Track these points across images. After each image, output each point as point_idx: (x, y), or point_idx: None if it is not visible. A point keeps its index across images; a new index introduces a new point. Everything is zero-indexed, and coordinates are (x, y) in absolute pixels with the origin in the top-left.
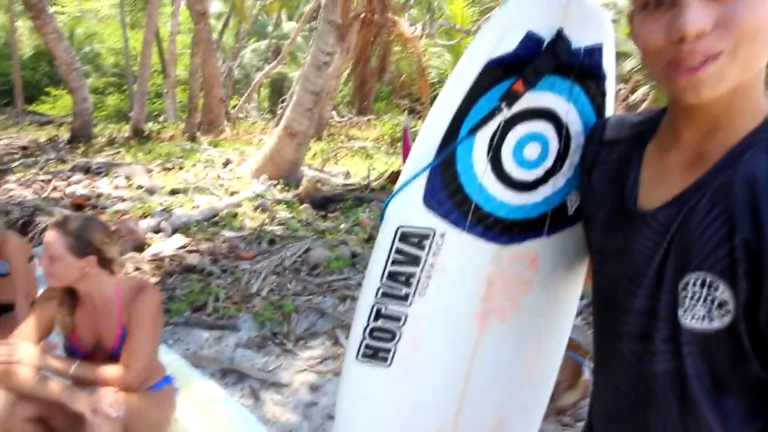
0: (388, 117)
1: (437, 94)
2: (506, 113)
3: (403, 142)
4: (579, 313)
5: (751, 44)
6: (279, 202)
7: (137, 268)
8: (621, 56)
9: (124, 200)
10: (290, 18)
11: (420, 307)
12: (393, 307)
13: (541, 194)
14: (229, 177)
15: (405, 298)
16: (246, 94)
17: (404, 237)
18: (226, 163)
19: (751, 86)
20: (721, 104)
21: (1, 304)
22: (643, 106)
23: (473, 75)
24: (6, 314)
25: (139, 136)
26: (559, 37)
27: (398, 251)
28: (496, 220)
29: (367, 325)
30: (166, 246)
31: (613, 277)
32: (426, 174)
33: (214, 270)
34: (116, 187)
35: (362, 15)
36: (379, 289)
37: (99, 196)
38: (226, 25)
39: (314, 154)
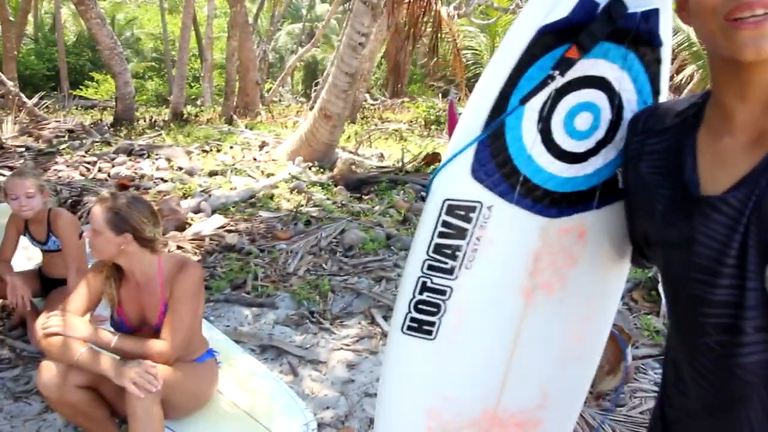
0: (422, 99)
1: (472, 75)
2: (559, 81)
3: (449, 115)
4: (621, 298)
5: None
6: (314, 183)
7: (179, 247)
8: None
9: (165, 181)
10: (324, 0)
11: (466, 281)
12: (439, 281)
13: (592, 166)
14: (265, 159)
15: (451, 271)
16: (280, 78)
17: (451, 209)
18: (262, 146)
19: None
20: None
21: (55, 278)
22: (690, 86)
23: (525, 42)
24: (60, 288)
25: (179, 120)
26: (614, 0)
27: (445, 224)
28: (545, 193)
29: (413, 297)
30: (206, 226)
31: (685, 269)
32: (474, 145)
33: (253, 249)
34: (158, 169)
35: None
36: (425, 262)
37: (142, 177)
38: (260, 8)
39: (348, 137)
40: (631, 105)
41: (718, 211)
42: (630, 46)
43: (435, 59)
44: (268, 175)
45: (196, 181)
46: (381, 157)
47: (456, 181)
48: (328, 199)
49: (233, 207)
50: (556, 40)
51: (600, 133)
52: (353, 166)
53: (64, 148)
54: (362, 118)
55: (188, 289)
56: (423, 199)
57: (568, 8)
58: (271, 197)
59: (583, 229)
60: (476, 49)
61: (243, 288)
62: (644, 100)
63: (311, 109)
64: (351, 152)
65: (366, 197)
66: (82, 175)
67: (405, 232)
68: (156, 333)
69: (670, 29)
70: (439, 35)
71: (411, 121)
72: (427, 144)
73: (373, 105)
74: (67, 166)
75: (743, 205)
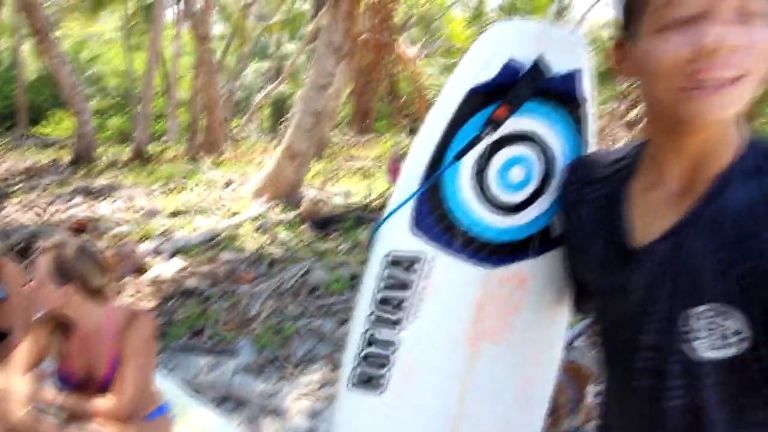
0: (389, 136)
1: None
2: (490, 138)
3: (392, 170)
4: (580, 335)
5: (764, 73)
6: (279, 222)
7: (136, 292)
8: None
9: (123, 223)
10: (292, 38)
11: (412, 332)
12: (386, 333)
13: (528, 216)
14: (230, 198)
15: (397, 323)
16: (247, 115)
17: (395, 262)
18: (228, 184)
19: (737, 117)
20: (711, 131)
21: None
22: (644, 123)
23: (457, 102)
24: (2, 342)
25: (141, 158)
26: (538, 63)
27: (389, 276)
28: (484, 243)
29: (360, 351)
30: (165, 269)
31: (618, 316)
32: (414, 200)
33: (213, 293)
34: (116, 210)
35: (365, 36)
36: (371, 315)
37: (99, 219)
38: (228, 46)
39: (315, 174)
40: (561, 158)
41: (646, 260)
42: (556, 103)
43: (394, 99)
44: (233, 215)
45: (157, 222)
46: (347, 194)
47: (398, 234)
48: (293, 238)
49: (195, 249)
50: (486, 100)
51: (533, 185)
52: (319, 204)
53: (16, 190)
54: (330, 155)
55: (139, 343)
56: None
57: (494, 71)
58: (235, 237)
59: (523, 276)
60: (440, 87)
61: (202, 335)
62: (573, 153)
63: (278, 146)
64: (318, 189)
65: (332, 236)
66: (37, 216)
67: None
68: (104, 389)
69: (591, 87)
70: (396, 77)
71: (377, 158)
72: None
73: (340, 141)
74: (20, 209)
75: (669, 255)
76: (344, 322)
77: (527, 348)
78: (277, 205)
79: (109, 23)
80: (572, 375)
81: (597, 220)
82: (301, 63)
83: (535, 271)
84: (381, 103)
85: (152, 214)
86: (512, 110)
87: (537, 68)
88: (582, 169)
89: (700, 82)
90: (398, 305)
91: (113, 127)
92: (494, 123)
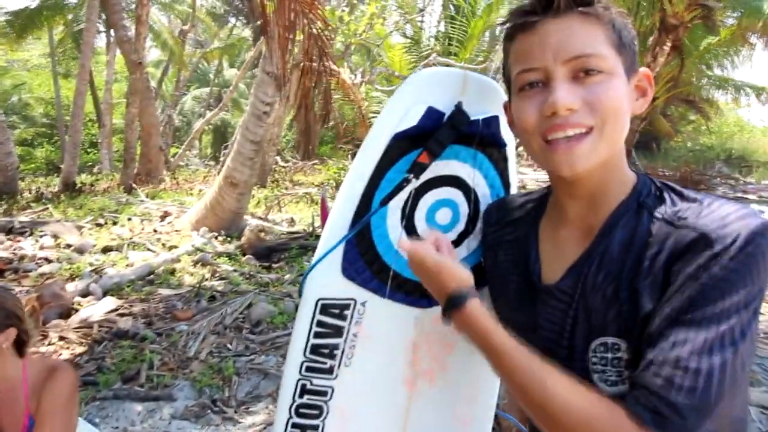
0: (333, 161)
1: None
2: (415, 183)
3: (321, 210)
4: None
5: (613, 122)
6: (220, 254)
7: (62, 338)
8: None
9: (50, 261)
10: (232, 65)
11: (346, 379)
12: (319, 382)
13: (457, 256)
14: (167, 230)
15: (330, 371)
16: (186, 142)
17: (324, 309)
18: (164, 216)
19: (617, 160)
20: (594, 178)
21: None
22: None
23: (381, 148)
24: None
25: (71, 190)
26: (458, 110)
27: (320, 323)
28: (415, 285)
29: (293, 402)
30: (96, 310)
31: (536, 350)
32: (342, 245)
33: (148, 334)
34: (42, 247)
35: (300, 64)
36: (302, 364)
37: (22, 258)
38: (165, 73)
39: (258, 202)
40: (485, 199)
41: (554, 297)
42: (478, 147)
43: (337, 125)
44: (170, 248)
45: (87, 259)
46: (291, 222)
47: (328, 280)
48: (235, 270)
49: (129, 286)
50: (410, 145)
51: (460, 226)
52: (262, 234)
53: None
54: (273, 182)
55: (59, 400)
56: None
57: (416, 118)
58: (173, 272)
59: None
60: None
61: (136, 380)
62: (497, 194)
63: (219, 174)
64: (260, 218)
65: (276, 266)
66: None
67: None
68: None
69: (511, 131)
70: (338, 103)
71: (322, 184)
72: None
73: (284, 167)
74: None
75: (572, 292)
76: None
77: (463, 387)
78: (217, 236)
79: (35, 49)
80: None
81: (512, 261)
82: (243, 89)
83: None
84: (325, 128)
85: (82, 250)
86: (435, 155)
87: (458, 114)
88: (498, 212)
89: (551, 141)
90: (330, 353)
91: (40, 157)
92: (418, 168)
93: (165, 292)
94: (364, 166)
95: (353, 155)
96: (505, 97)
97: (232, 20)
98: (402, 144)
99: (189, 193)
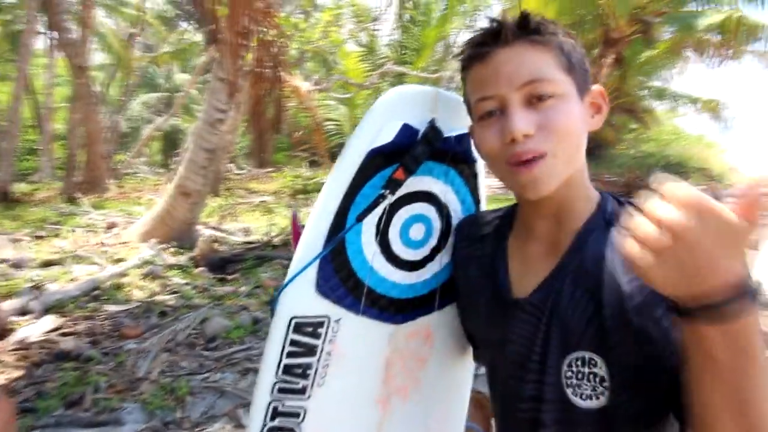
0: (289, 169)
1: (334, 145)
2: (390, 199)
3: (293, 228)
4: None
5: (567, 143)
6: (171, 267)
7: None
8: None
9: None
10: (183, 70)
11: (320, 399)
12: (290, 403)
13: (430, 271)
14: (113, 242)
15: (303, 391)
16: (135, 149)
17: (298, 327)
18: (111, 227)
19: (580, 178)
20: (558, 196)
21: None
22: None
23: (357, 164)
24: None
25: (6, 200)
26: (432, 127)
27: (293, 342)
28: (390, 301)
29: (264, 426)
30: (35, 330)
31: (503, 366)
32: (318, 261)
33: (94, 354)
34: None
35: (253, 71)
36: (274, 385)
37: None
38: (111, 77)
39: (211, 212)
40: (457, 214)
41: (525, 312)
42: (450, 163)
43: (292, 132)
44: (117, 261)
45: (26, 274)
46: (247, 231)
47: (301, 298)
48: (187, 283)
49: (72, 303)
50: (385, 161)
51: (433, 241)
52: (216, 244)
53: None
54: (226, 190)
55: None
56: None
57: (392, 134)
58: (120, 287)
59: (429, 331)
60: (337, 121)
61: (80, 405)
62: (468, 209)
63: (170, 182)
64: (214, 228)
65: (231, 277)
66: None
67: None
68: None
69: None
70: (292, 110)
71: (277, 192)
72: None
73: (238, 175)
74: None
75: (543, 306)
76: (246, 372)
77: (435, 402)
78: (168, 248)
79: None
80: (477, 405)
81: (483, 276)
82: (194, 95)
83: (439, 325)
84: (281, 135)
85: (19, 265)
86: (410, 171)
87: (432, 130)
88: (469, 228)
89: (515, 164)
90: (303, 372)
91: None
92: (394, 184)
93: (112, 308)
94: (339, 183)
95: (310, 163)
96: None
97: (183, 24)
98: (377, 160)
99: (137, 202)
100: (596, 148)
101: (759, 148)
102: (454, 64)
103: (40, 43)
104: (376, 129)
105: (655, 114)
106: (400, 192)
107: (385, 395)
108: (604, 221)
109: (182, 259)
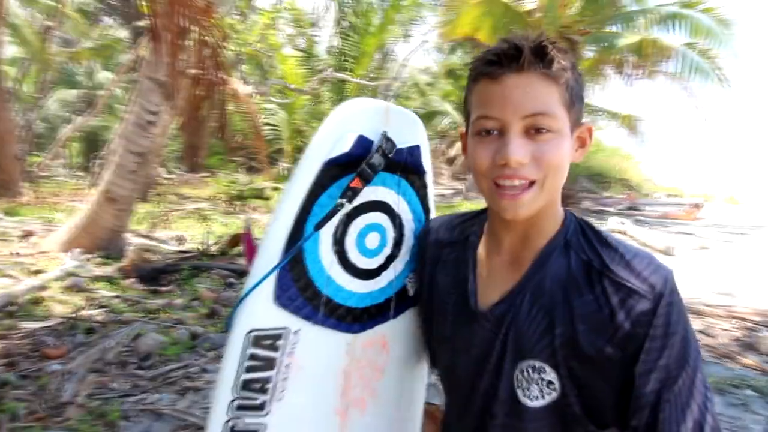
0: (224, 174)
1: (273, 150)
2: (348, 207)
3: (247, 243)
4: None
5: (554, 176)
6: (98, 279)
7: None
8: (438, 114)
9: None
10: (106, 67)
11: (278, 414)
12: (250, 420)
13: (385, 279)
14: (30, 253)
15: (262, 407)
16: (51, 151)
17: (257, 340)
18: (27, 236)
19: (553, 203)
20: (531, 219)
21: None
22: (462, 159)
23: (314, 174)
24: None
25: None
26: (386, 138)
27: (252, 357)
28: (347, 310)
29: None
30: None
31: (463, 368)
32: (276, 272)
33: (10, 378)
34: None
35: (192, 72)
36: (232, 403)
37: None
38: (25, 72)
39: (141, 218)
40: (409, 224)
41: (487, 322)
42: (402, 174)
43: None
44: (35, 273)
45: None
46: (180, 239)
47: (260, 310)
48: (116, 296)
49: None
50: (340, 171)
51: (388, 250)
52: (147, 253)
53: None
54: (156, 195)
55: None
56: (227, 328)
57: (348, 145)
58: (39, 302)
59: (385, 339)
60: (276, 126)
61: None
62: (418, 219)
63: (92, 186)
64: (144, 236)
65: (165, 289)
66: None
67: (213, 328)
68: None
69: (429, 160)
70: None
71: (212, 198)
72: (232, 222)
73: (168, 180)
74: None
75: (503, 319)
76: (185, 391)
77: (392, 413)
78: (94, 257)
79: None
80: (429, 417)
81: (451, 282)
82: (117, 93)
83: (395, 333)
84: (215, 139)
85: None
86: (367, 180)
87: (386, 142)
88: (438, 232)
89: (500, 186)
90: (262, 387)
91: None
92: (351, 192)
93: (30, 325)
94: (296, 193)
95: (248, 169)
96: (423, 129)
97: (107, 19)
98: (333, 170)
99: (56, 209)
100: None
101: (669, 160)
102: (391, 73)
103: None
104: (333, 140)
105: None
106: (356, 201)
107: (344, 407)
108: (564, 242)
109: (110, 270)
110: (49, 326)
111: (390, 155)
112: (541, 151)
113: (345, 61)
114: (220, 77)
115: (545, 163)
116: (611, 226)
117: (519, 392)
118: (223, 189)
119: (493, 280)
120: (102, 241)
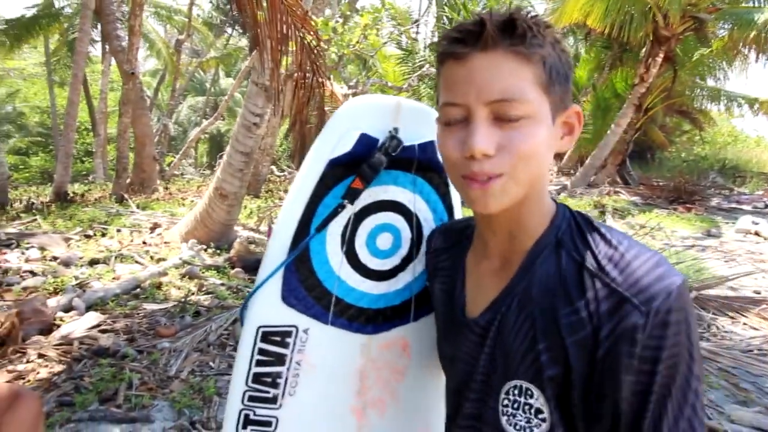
0: None
1: None
2: (351, 208)
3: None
4: None
5: (525, 166)
6: (209, 267)
7: (41, 355)
8: None
9: (34, 275)
10: (228, 74)
11: (291, 409)
12: (262, 412)
13: (402, 281)
14: (156, 242)
15: (274, 400)
16: (182, 151)
17: (265, 336)
18: (154, 227)
19: (536, 197)
20: (510, 214)
21: None
22: (569, 153)
23: (317, 174)
24: None
25: (62, 200)
26: (391, 136)
27: (261, 351)
28: (359, 311)
29: None
30: (78, 326)
31: (451, 383)
32: (282, 271)
33: (129, 351)
34: (27, 260)
35: (294, 75)
36: (245, 393)
37: (6, 271)
38: (161, 81)
39: (250, 212)
40: (428, 223)
41: (472, 331)
42: (417, 172)
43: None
44: (159, 261)
45: (73, 272)
46: None
47: (268, 308)
48: (222, 284)
49: (113, 301)
50: (345, 171)
51: (403, 251)
52: (252, 246)
53: None
54: (267, 191)
55: (20, 429)
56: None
57: (350, 144)
58: (159, 286)
59: (406, 342)
60: None
61: (114, 400)
62: (440, 218)
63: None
64: (251, 229)
65: None
66: None
67: None
68: None
69: None
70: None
71: None
72: None
73: (279, 177)
74: None
75: (489, 328)
76: None
77: (415, 418)
78: (207, 248)
79: (31, 58)
80: None
81: (444, 290)
82: (238, 98)
83: (416, 336)
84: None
85: (68, 263)
86: (367, 181)
87: (390, 140)
88: (438, 238)
89: (470, 178)
90: (273, 381)
91: (35, 165)
92: (352, 193)
93: (150, 306)
94: (301, 193)
95: None
96: None
97: (229, 30)
98: (337, 170)
99: (181, 203)
100: (646, 150)
101: None
102: None
103: (96, 51)
104: (335, 139)
105: (710, 115)
106: (364, 202)
107: (361, 407)
108: (555, 240)
109: (219, 260)
110: (164, 308)
111: (394, 154)
112: (510, 139)
113: None
114: (320, 80)
115: (515, 153)
116: (741, 225)
117: (504, 420)
118: None
119: (482, 286)
120: (215, 233)
